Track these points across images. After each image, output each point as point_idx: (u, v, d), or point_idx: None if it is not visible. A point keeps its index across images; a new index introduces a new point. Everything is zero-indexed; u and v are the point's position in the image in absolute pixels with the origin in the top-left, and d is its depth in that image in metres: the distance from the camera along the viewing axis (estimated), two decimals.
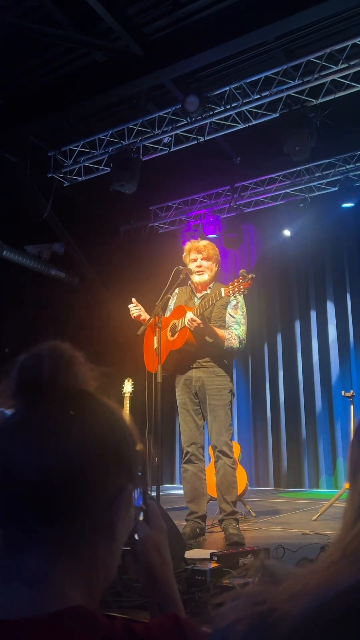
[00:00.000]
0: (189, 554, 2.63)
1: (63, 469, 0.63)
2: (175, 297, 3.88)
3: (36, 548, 0.63)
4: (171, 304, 3.87)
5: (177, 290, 3.87)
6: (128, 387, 5.34)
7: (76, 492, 0.64)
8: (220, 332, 3.52)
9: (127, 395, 5.32)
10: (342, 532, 0.53)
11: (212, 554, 2.51)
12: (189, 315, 3.44)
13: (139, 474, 0.73)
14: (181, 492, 3.81)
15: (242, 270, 3.42)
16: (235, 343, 3.54)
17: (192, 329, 3.45)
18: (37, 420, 0.65)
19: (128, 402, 5.30)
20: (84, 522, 0.65)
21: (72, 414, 0.66)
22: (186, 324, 3.46)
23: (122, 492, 0.69)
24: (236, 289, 3.38)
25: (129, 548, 0.88)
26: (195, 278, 3.74)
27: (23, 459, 0.63)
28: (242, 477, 4.66)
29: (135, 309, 3.67)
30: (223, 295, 3.42)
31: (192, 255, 3.76)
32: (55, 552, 0.64)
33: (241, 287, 3.36)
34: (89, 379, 0.72)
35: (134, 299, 3.71)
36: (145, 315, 3.66)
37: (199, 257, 3.73)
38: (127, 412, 5.13)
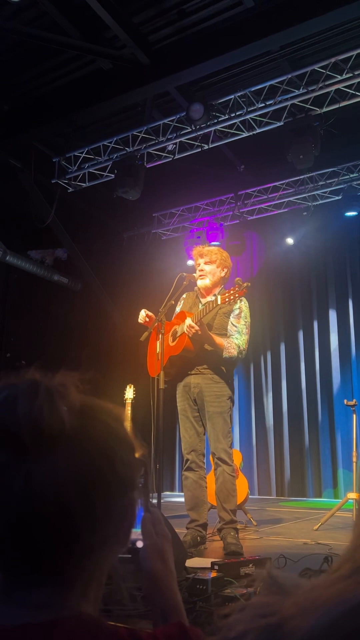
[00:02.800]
0: (190, 563, 2.61)
1: (57, 508, 0.59)
2: (181, 302, 3.87)
3: (36, 587, 0.60)
4: (178, 309, 3.86)
5: (184, 295, 3.87)
6: (129, 393, 5.32)
7: (78, 525, 0.61)
8: (219, 340, 3.48)
9: (129, 401, 5.30)
10: (353, 544, 0.51)
11: (213, 563, 2.49)
12: (188, 321, 3.43)
13: (140, 484, 0.70)
14: (181, 499, 3.80)
15: (237, 279, 3.45)
16: (234, 352, 3.48)
17: (190, 335, 3.43)
18: (22, 475, 0.59)
19: (129, 408, 5.28)
20: (87, 552, 0.62)
21: (60, 464, 0.60)
22: (185, 330, 3.45)
23: (127, 511, 0.67)
24: (232, 297, 3.36)
25: (130, 556, 0.86)
26: (198, 282, 3.73)
27: (6, 496, 0.59)
28: (243, 486, 4.63)
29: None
30: (219, 303, 3.41)
31: (198, 260, 3.74)
32: (55, 583, 0.61)
33: (236, 295, 3.35)
34: (74, 407, 0.63)
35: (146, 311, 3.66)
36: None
37: (201, 262, 3.71)
38: (129, 418, 5.11)
